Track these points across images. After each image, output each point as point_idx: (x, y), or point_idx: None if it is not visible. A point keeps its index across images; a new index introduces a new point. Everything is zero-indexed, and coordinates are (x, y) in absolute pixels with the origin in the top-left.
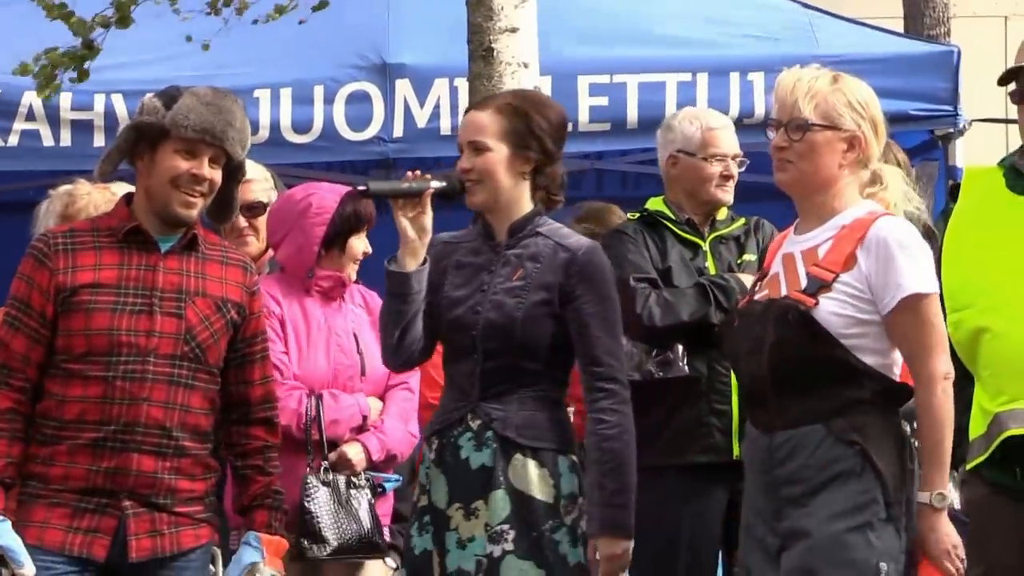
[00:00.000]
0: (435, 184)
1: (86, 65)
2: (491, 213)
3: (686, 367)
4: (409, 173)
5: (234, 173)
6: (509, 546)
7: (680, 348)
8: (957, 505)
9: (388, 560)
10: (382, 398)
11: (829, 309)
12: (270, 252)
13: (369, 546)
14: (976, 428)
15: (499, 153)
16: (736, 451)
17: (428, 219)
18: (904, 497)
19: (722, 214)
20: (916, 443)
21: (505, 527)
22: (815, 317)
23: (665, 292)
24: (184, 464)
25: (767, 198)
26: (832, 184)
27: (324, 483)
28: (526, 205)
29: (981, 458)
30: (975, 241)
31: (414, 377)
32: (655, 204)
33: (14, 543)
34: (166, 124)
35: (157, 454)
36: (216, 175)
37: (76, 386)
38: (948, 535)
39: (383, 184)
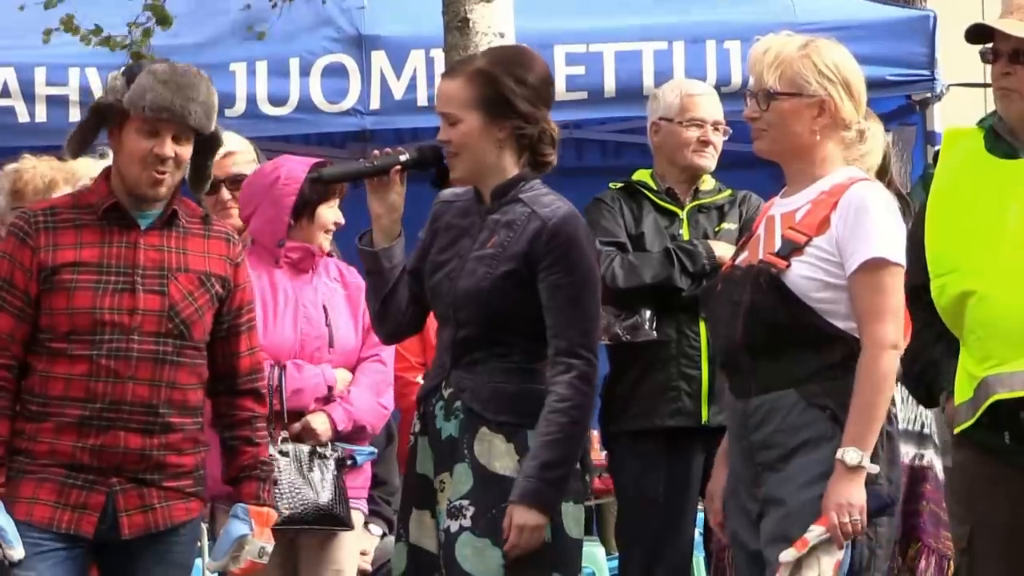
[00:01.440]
0: (403, 158)
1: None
2: (477, 183)
3: (654, 332)
4: (376, 152)
5: (209, 144)
6: (467, 522)
7: (648, 312)
8: (939, 469)
9: (372, 527)
10: (354, 370)
11: (800, 272)
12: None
13: (327, 517)
14: (963, 393)
15: (471, 123)
16: (705, 416)
17: (395, 195)
18: (881, 460)
19: (707, 184)
20: (893, 408)
21: (464, 502)
22: (785, 281)
23: (630, 255)
24: (172, 440)
25: (746, 166)
26: (810, 150)
27: (282, 453)
28: (511, 170)
29: (968, 423)
30: (957, 205)
31: (387, 350)
32: (639, 175)
33: (5, 523)
34: (125, 103)
35: (144, 432)
36: (183, 150)
37: (61, 364)
38: (850, 492)
39: (335, 169)
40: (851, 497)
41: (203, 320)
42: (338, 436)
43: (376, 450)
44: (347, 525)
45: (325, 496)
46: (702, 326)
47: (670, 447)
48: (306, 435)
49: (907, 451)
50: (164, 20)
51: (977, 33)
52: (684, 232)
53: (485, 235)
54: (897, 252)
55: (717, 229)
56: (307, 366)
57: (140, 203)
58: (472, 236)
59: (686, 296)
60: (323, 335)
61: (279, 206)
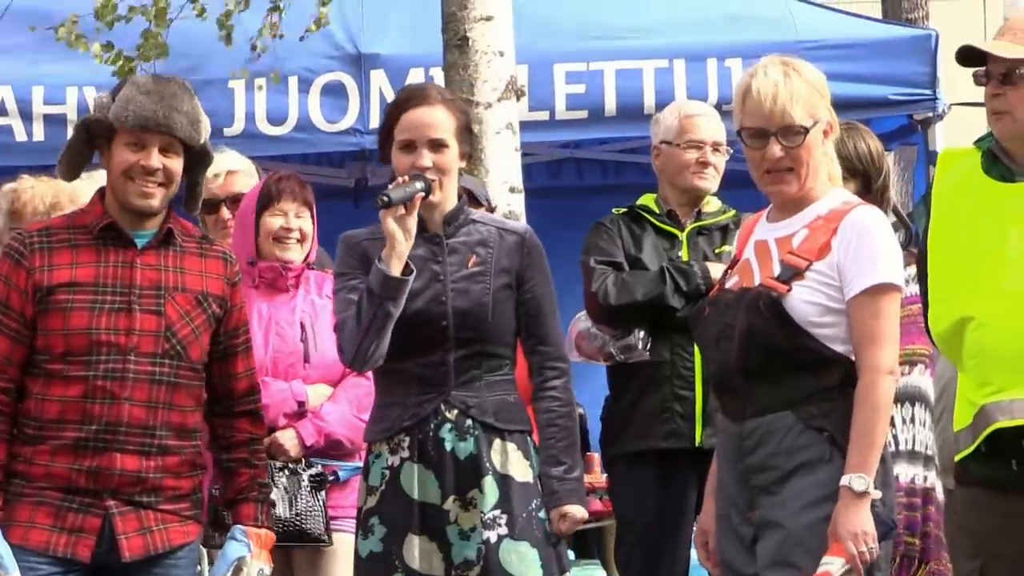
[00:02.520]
0: (419, 185)
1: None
2: (432, 207)
3: (647, 352)
4: (403, 178)
5: (199, 160)
6: (503, 530)
7: (641, 332)
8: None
9: None
10: (336, 385)
11: (801, 297)
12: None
13: (293, 534)
14: (962, 419)
15: (454, 150)
16: (699, 438)
17: (414, 221)
18: (877, 482)
19: (711, 205)
20: (891, 431)
21: (496, 512)
22: (786, 305)
23: (624, 273)
24: (169, 462)
25: (744, 185)
26: (815, 173)
27: None
28: (454, 195)
29: (968, 450)
30: (955, 228)
31: None
32: (644, 199)
33: (2, 548)
34: (111, 118)
35: (141, 453)
36: (172, 163)
37: (57, 386)
38: (861, 520)
39: (399, 191)
40: (864, 525)
41: (200, 340)
42: (312, 451)
43: (361, 465)
44: (321, 541)
45: (288, 512)
46: (696, 349)
47: (665, 469)
48: (275, 451)
49: (908, 472)
50: (161, 52)
51: (968, 55)
52: (683, 254)
53: (457, 258)
54: (896, 275)
55: (718, 251)
56: (274, 383)
57: (136, 221)
58: (439, 262)
59: (680, 316)
60: (297, 351)
61: (243, 226)
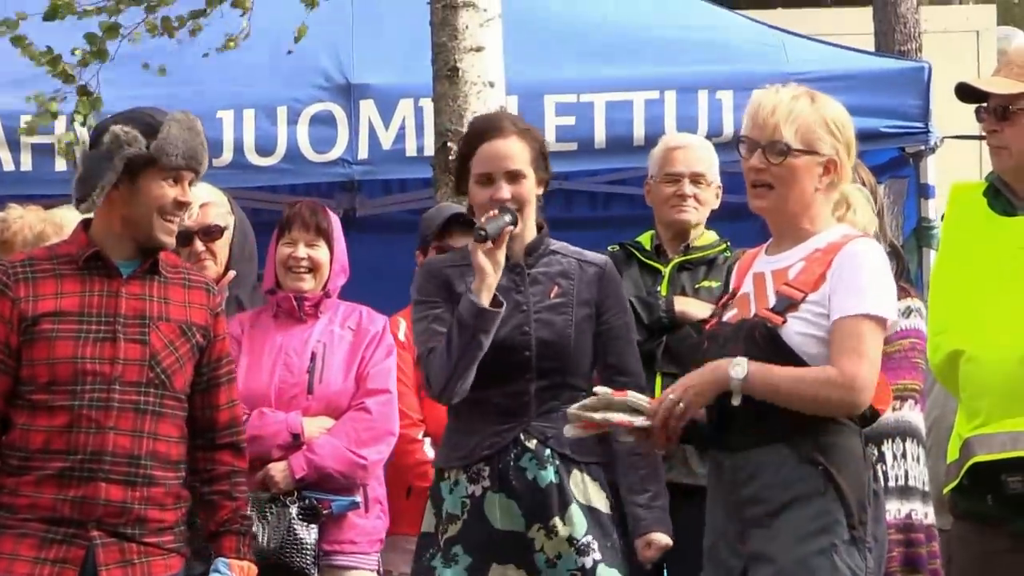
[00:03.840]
0: (508, 218)
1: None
2: (514, 237)
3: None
4: (493, 212)
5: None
6: (597, 555)
7: None
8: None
9: None
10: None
11: (796, 329)
12: (230, 275)
13: (277, 567)
14: (952, 453)
15: (531, 180)
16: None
17: (503, 254)
18: (868, 518)
19: (703, 238)
20: (882, 467)
21: (588, 539)
22: (782, 335)
23: None
24: (154, 494)
25: (736, 218)
26: (808, 208)
27: None
28: (534, 225)
29: (952, 484)
30: (956, 262)
31: (378, 400)
32: (641, 236)
33: None
34: (153, 153)
35: (126, 483)
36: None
37: (42, 416)
38: (702, 380)
39: (493, 224)
40: (700, 387)
41: (184, 370)
42: (304, 484)
43: (359, 500)
44: (306, 575)
45: (272, 543)
46: (657, 382)
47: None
48: (267, 482)
49: (903, 508)
50: (101, 53)
51: (966, 91)
52: (662, 289)
53: (540, 288)
54: (889, 309)
55: (698, 286)
56: (271, 414)
57: (134, 252)
58: (520, 291)
59: (645, 350)
60: (301, 382)
61: (269, 255)
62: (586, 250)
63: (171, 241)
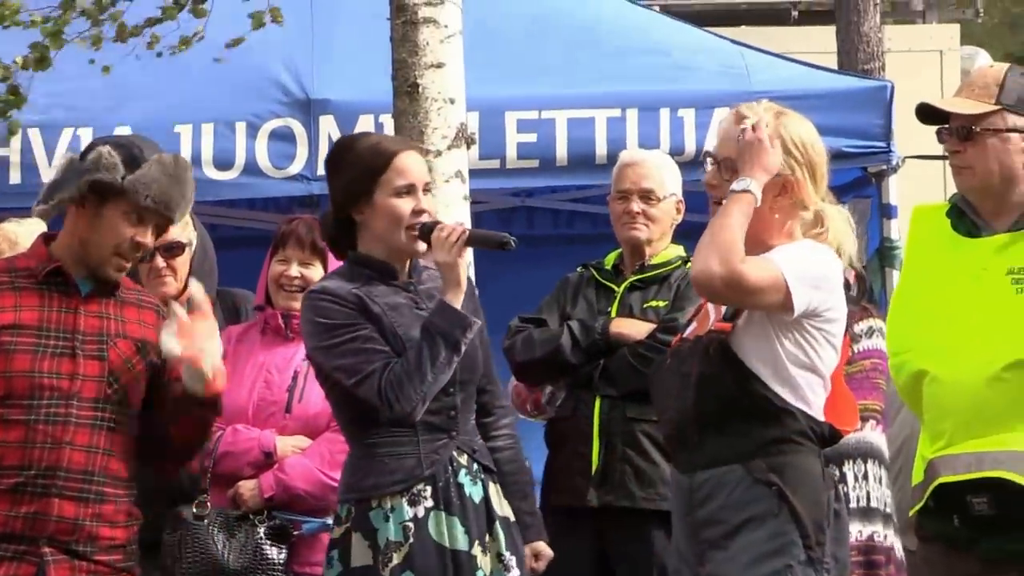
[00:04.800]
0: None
1: (13, 115)
2: (407, 255)
3: (552, 410)
4: (457, 226)
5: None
6: (516, 572)
7: (548, 389)
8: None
9: None
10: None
11: (743, 331)
12: (189, 291)
13: None
14: (916, 475)
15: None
16: (591, 497)
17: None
18: (828, 538)
19: (662, 256)
20: (843, 488)
21: (507, 554)
22: (733, 346)
23: (534, 331)
24: (105, 511)
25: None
26: (765, 228)
27: (197, 517)
28: None
29: (917, 506)
30: (919, 282)
31: None
32: (608, 256)
33: None
34: (125, 187)
35: (78, 500)
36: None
37: None
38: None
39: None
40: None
41: (140, 387)
42: (275, 504)
43: (331, 523)
44: None
45: (239, 562)
46: (596, 404)
47: (560, 526)
48: (237, 500)
49: (866, 530)
50: (43, 60)
51: (927, 113)
52: (612, 310)
53: (434, 303)
54: (799, 281)
55: (645, 305)
56: (245, 430)
57: (85, 270)
58: (421, 308)
59: (584, 372)
60: (280, 400)
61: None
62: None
63: (118, 277)
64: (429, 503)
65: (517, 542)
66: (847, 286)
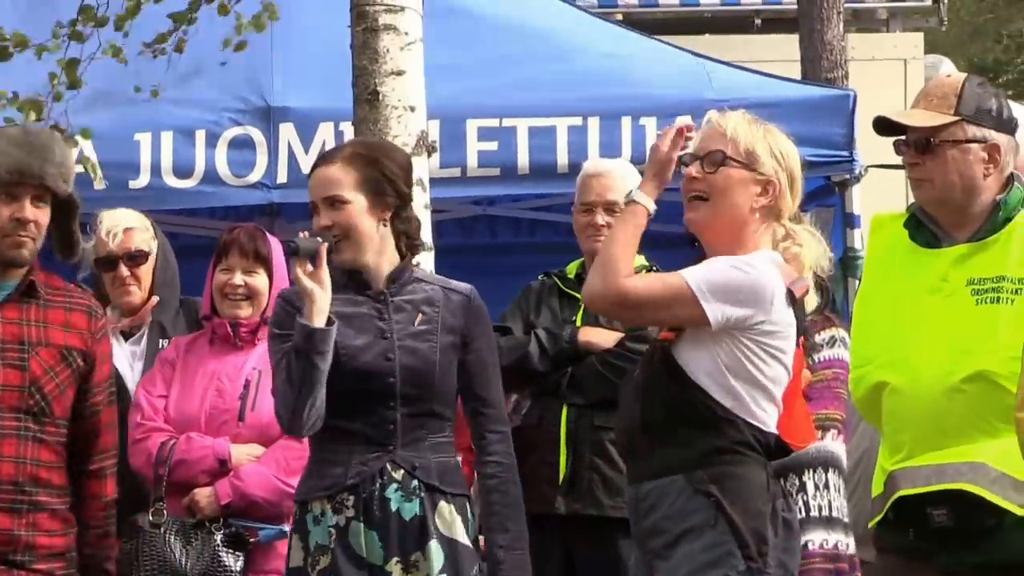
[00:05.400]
0: (319, 240)
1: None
2: (361, 264)
3: (517, 418)
4: (301, 233)
5: (68, 208)
6: None
7: (515, 397)
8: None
9: None
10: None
11: (688, 339)
12: (152, 301)
13: None
14: (876, 486)
15: (358, 204)
16: (559, 504)
17: (325, 273)
18: (773, 548)
19: None
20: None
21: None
22: (676, 355)
23: (500, 339)
24: (40, 519)
25: (667, 246)
26: (741, 227)
27: (153, 525)
28: (394, 252)
29: (877, 518)
30: (879, 293)
31: None
32: (570, 265)
33: None
34: None
35: (11, 511)
36: (41, 214)
37: None
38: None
39: (305, 244)
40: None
41: (64, 396)
42: (231, 511)
43: (287, 529)
44: None
45: (196, 570)
46: (564, 412)
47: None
48: (192, 507)
49: (830, 538)
50: (74, 83)
51: (884, 125)
52: (578, 318)
53: (404, 315)
54: (701, 289)
55: None
56: (199, 439)
57: (2, 269)
58: (384, 319)
59: (552, 380)
60: (233, 408)
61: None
62: (452, 279)
63: (20, 254)
64: (351, 512)
65: (462, 567)
66: (792, 298)
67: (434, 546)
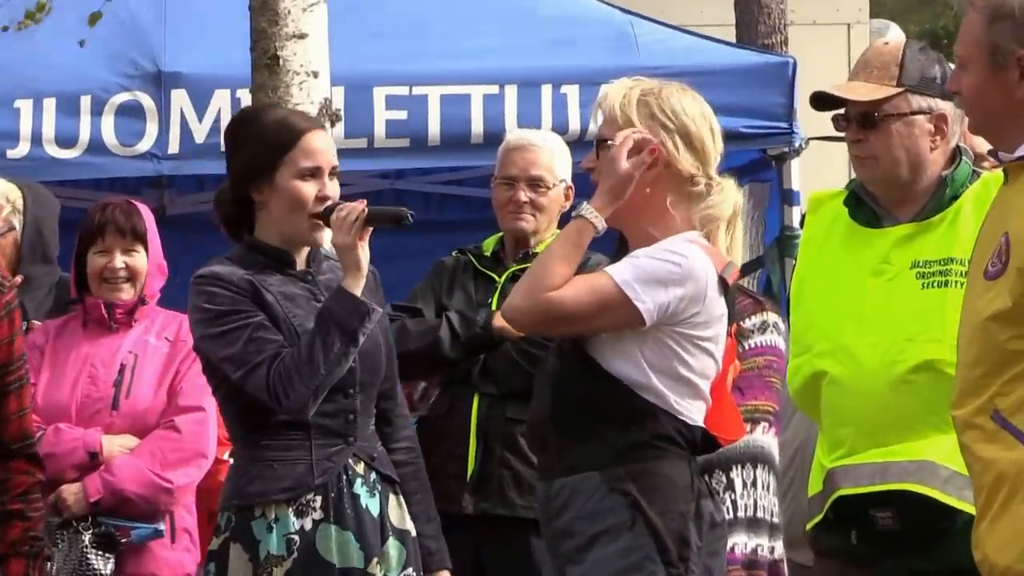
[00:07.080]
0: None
1: None
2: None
3: (425, 407)
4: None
5: None
6: None
7: (422, 385)
8: (777, 553)
9: None
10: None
11: (601, 336)
12: (16, 279)
13: None
14: (814, 485)
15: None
16: (466, 503)
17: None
18: (696, 551)
19: (548, 244)
20: (731, 496)
21: (410, 570)
22: (588, 346)
23: (409, 321)
24: None
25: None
26: (645, 208)
27: None
28: None
29: (816, 519)
30: (818, 276)
31: (189, 418)
32: (487, 241)
33: None
34: None
35: None
36: None
37: None
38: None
39: (393, 211)
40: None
41: None
42: (100, 509)
43: (163, 528)
44: None
45: (62, 574)
46: (475, 403)
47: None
48: (59, 505)
49: (750, 542)
50: None
51: (823, 100)
52: (494, 301)
53: None
54: (630, 284)
55: None
56: (68, 430)
57: None
58: (317, 300)
59: (463, 368)
60: (106, 396)
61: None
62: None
63: None
64: (318, 515)
65: (418, 560)
66: (724, 285)
67: (391, 543)
